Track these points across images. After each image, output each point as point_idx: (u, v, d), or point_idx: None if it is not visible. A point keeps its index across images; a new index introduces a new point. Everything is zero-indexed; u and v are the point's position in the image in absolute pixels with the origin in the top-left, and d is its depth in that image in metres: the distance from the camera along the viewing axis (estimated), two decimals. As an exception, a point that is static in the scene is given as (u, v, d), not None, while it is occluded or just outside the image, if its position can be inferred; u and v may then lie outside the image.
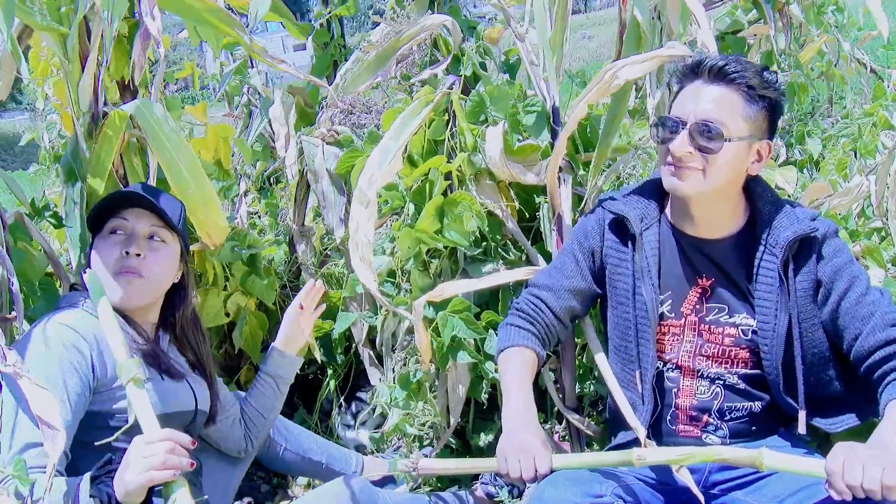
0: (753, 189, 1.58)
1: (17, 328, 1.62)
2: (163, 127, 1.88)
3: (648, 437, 1.60)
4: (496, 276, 1.97)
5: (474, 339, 1.94)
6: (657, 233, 1.62)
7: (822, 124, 4.05)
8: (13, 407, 1.38)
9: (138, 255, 1.56)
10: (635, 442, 1.61)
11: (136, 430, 1.42)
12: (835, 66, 4.71)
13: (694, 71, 1.52)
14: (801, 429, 1.52)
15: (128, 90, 2.07)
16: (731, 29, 3.81)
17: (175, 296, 1.72)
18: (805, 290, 1.52)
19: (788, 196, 2.69)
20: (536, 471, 1.43)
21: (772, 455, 1.34)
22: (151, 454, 1.25)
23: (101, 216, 1.61)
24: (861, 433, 1.64)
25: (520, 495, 2.01)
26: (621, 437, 1.70)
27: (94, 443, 1.41)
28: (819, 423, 1.55)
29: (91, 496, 1.26)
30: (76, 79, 1.91)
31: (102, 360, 1.50)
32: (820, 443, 1.76)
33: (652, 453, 1.46)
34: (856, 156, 3.06)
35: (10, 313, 1.60)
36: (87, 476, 1.29)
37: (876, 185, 2.49)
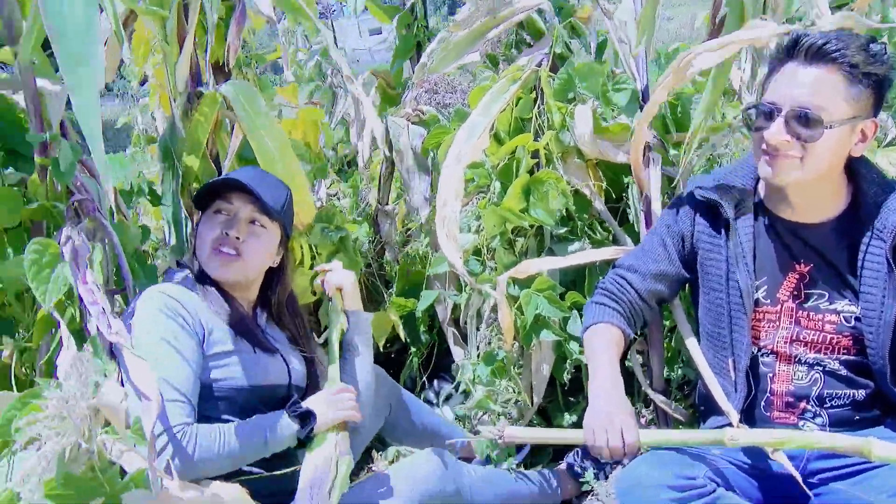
0: (857, 169, 1.50)
1: (126, 301, 1.68)
2: (255, 108, 1.93)
3: (741, 422, 1.55)
4: (581, 254, 1.95)
5: (559, 319, 1.92)
6: (751, 217, 1.56)
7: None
8: None
9: (238, 237, 1.63)
10: (727, 427, 1.57)
11: (237, 406, 1.50)
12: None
13: (789, 51, 1.42)
14: None
15: (221, 72, 2.12)
16: (835, 3, 3.63)
17: (273, 278, 1.78)
18: None
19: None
20: (624, 444, 1.42)
21: (882, 444, 1.28)
22: (343, 400, 1.60)
23: (208, 196, 1.67)
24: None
25: (605, 477, 1.98)
26: (711, 422, 1.66)
27: (202, 414, 1.50)
28: None
29: (292, 416, 1.52)
30: (174, 60, 1.97)
31: (202, 329, 1.56)
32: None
33: (746, 434, 1.42)
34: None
35: (117, 286, 1.67)
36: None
37: None
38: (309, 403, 1.57)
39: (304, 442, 1.53)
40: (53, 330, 1.61)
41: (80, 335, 1.56)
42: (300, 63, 4.16)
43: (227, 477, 1.49)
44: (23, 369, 1.63)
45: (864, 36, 1.42)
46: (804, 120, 1.38)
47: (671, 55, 2.50)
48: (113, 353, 1.50)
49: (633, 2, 2.03)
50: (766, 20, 1.64)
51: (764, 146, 1.43)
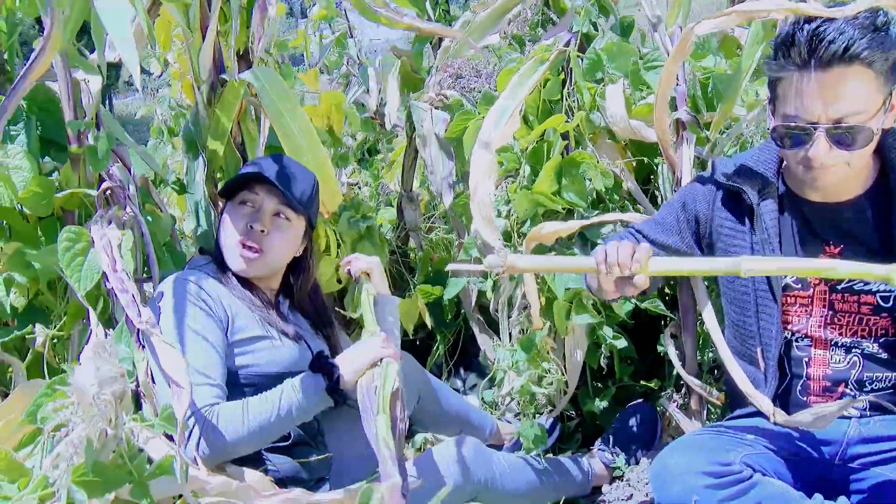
0: (883, 140, 1.42)
1: (151, 289, 1.68)
2: (279, 94, 1.92)
3: (776, 407, 1.51)
4: (599, 216, 1.88)
5: (593, 301, 1.89)
6: (775, 202, 1.51)
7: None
8: None
9: (262, 230, 1.62)
10: (758, 415, 1.54)
11: (261, 391, 1.49)
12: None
13: (805, 58, 1.31)
14: None
15: (243, 59, 2.11)
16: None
17: (297, 267, 1.78)
18: None
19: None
20: (632, 258, 1.35)
21: (752, 260, 1.26)
22: (371, 344, 1.50)
23: (234, 187, 1.67)
24: None
25: (637, 462, 1.96)
26: (741, 410, 1.62)
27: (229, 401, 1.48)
28: None
29: (317, 369, 1.47)
30: (197, 48, 1.97)
31: (225, 315, 1.56)
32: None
33: (760, 263, 1.32)
34: None
35: (145, 274, 1.67)
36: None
37: None
38: (337, 357, 1.52)
39: (342, 399, 1.49)
40: (84, 319, 1.62)
41: (109, 323, 1.56)
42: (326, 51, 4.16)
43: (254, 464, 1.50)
44: (56, 358, 1.64)
45: (865, 15, 1.31)
46: (849, 134, 1.31)
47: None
48: (140, 341, 1.50)
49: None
50: (721, 15, 1.58)
51: (803, 165, 1.37)
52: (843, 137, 1.32)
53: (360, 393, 1.38)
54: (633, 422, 2.01)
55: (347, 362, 1.48)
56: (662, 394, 2.08)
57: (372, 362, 1.46)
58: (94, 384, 1.05)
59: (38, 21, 1.67)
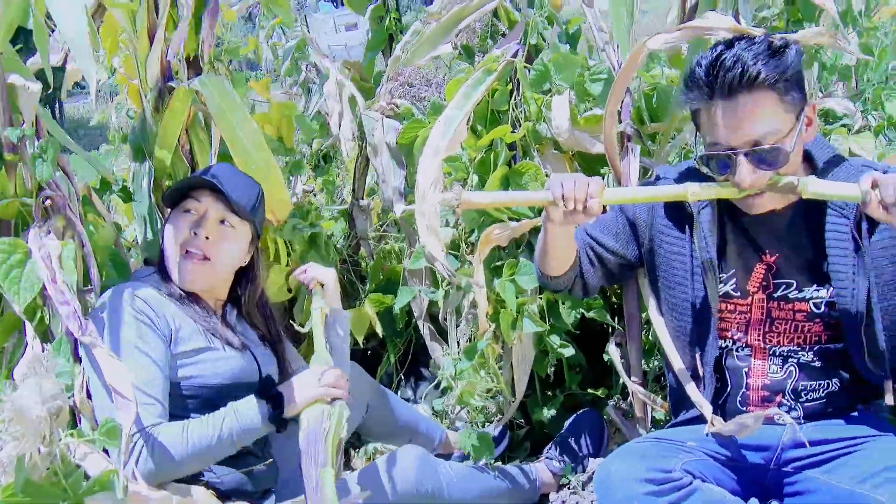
0: (809, 150, 1.48)
1: (93, 300, 1.65)
2: (227, 103, 1.90)
3: (715, 413, 1.55)
4: (529, 222, 1.89)
5: (539, 310, 1.91)
6: (714, 210, 1.55)
7: (900, 88, 3.86)
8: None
9: (207, 237, 1.61)
10: (700, 419, 1.57)
11: (206, 405, 1.47)
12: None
13: (711, 87, 1.36)
14: (889, 399, 1.45)
15: (192, 66, 2.09)
16: (783, -3, 3.65)
17: (244, 276, 1.76)
18: (883, 248, 1.42)
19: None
20: (588, 192, 1.41)
21: (815, 181, 1.34)
22: (327, 378, 1.50)
23: (177, 194, 1.65)
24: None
25: (583, 470, 1.99)
26: (683, 414, 1.66)
27: (172, 414, 1.48)
28: None
29: (261, 399, 1.48)
30: (144, 55, 1.94)
31: (168, 328, 1.54)
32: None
33: (704, 189, 1.43)
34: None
35: (85, 285, 1.64)
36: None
37: (960, 154, 2.37)
38: (284, 385, 1.53)
39: (284, 427, 1.50)
40: (18, 331, 1.58)
41: (46, 336, 1.53)
42: (278, 57, 4.12)
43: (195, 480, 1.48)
44: (-11, 372, 1.59)
45: (760, 39, 1.38)
46: (767, 155, 1.36)
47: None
48: (77, 355, 1.48)
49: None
50: (725, 14, 1.63)
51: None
52: (763, 158, 1.37)
53: (306, 433, 1.38)
54: (579, 430, 2.04)
55: (295, 393, 1.49)
56: (609, 402, 2.11)
57: (320, 399, 1.47)
58: (37, 402, 1.02)
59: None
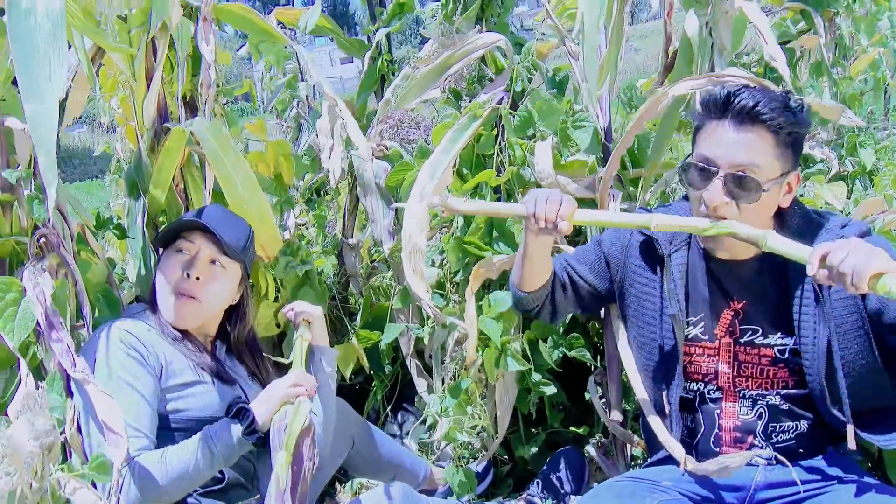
0: (786, 211, 1.55)
1: (85, 336, 1.69)
2: (221, 144, 1.96)
3: (689, 456, 1.59)
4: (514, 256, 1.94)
5: (520, 349, 1.96)
6: (686, 255, 1.62)
7: (878, 136, 3.98)
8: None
9: (198, 277, 1.66)
10: (673, 461, 1.61)
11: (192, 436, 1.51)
12: (892, 77, 4.62)
13: (722, 110, 1.46)
14: (851, 444, 1.49)
15: (188, 106, 2.15)
16: (779, 40, 3.77)
17: (234, 315, 1.81)
18: (843, 299, 1.47)
19: (840, 211, 2.66)
20: (559, 211, 1.49)
21: (775, 237, 1.37)
22: (288, 380, 1.55)
23: (170, 235, 1.71)
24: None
25: (565, 507, 2.02)
26: (657, 454, 1.70)
27: (160, 446, 1.51)
28: (871, 438, 1.50)
29: (232, 417, 1.51)
30: (141, 96, 2.00)
31: (158, 362, 1.58)
32: (873, 463, 1.73)
33: (667, 219, 1.49)
34: (915, 171, 2.99)
35: (77, 322, 1.68)
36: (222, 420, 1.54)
37: (932, 200, 2.45)
38: (254, 401, 1.56)
39: (261, 443, 1.52)
40: (12, 367, 1.61)
41: (38, 371, 1.56)
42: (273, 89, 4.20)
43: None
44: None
45: (781, 93, 1.48)
46: (742, 183, 1.43)
47: (629, 90, 2.58)
48: (70, 390, 1.51)
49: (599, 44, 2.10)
50: (697, 78, 1.73)
51: (703, 208, 1.48)
52: (738, 182, 1.43)
53: (272, 431, 1.43)
54: (561, 467, 2.07)
55: (262, 404, 1.53)
56: (591, 440, 2.15)
57: (283, 401, 1.51)
58: (30, 438, 1.06)
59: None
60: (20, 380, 1.49)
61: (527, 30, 3.57)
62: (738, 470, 1.51)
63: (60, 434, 1.39)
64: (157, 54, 1.98)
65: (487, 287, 2.07)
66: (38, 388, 1.38)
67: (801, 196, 2.74)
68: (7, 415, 1.29)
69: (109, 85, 2.35)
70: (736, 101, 1.44)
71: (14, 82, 1.66)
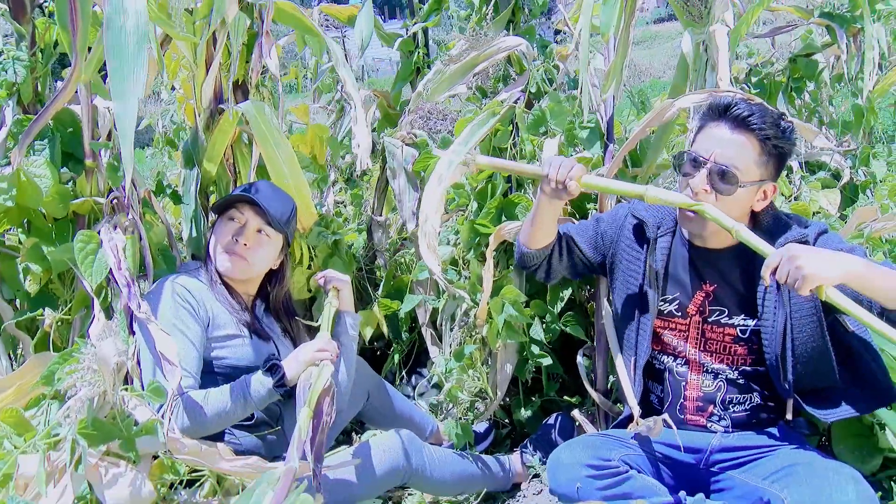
0: (760, 213, 1.77)
1: (146, 286, 1.98)
2: (268, 126, 2.22)
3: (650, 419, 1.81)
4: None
5: (523, 324, 2.20)
6: (670, 241, 1.86)
7: (894, 149, 4.10)
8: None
9: (245, 244, 1.93)
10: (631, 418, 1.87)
11: (232, 380, 1.80)
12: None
13: (721, 114, 1.71)
14: (788, 415, 1.73)
15: (240, 89, 2.42)
16: (804, 52, 3.92)
17: (273, 278, 2.08)
18: None
19: (833, 216, 2.84)
20: (568, 173, 1.75)
21: (745, 230, 1.61)
22: (315, 345, 1.80)
23: (225, 204, 1.98)
24: (853, 424, 1.84)
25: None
26: (625, 412, 1.95)
27: (204, 387, 1.79)
28: (814, 412, 1.72)
29: (265, 372, 1.76)
30: (201, 80, 2.27)
31: (206, 315, 1.86)
32: (823, 434, 1.95)
33: (659, 192, 1.71)
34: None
35: (141, 273, 1.96)
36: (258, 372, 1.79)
37: (922, 211, 2.61)
38: (285, 359, 1.82)
39: (288, 395, 1.78)
40: (87, 307, 1.91)
41: (108, 312, 1.86)
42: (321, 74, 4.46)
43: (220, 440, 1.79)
44: (60, 338, 1.93)
45: (776, 112, 1.72)
46: (723, 176, 1.67)
47: (642, 93, 2.79)
48: (132, 328, 1.80)
49: (605, 53, 2.32)
50: (700, 93, 1.96)
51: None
52: (718, 178, 1.67)
53: (298, 387, 1.69)
54: (552, 429, 2.32)
55: (291, 362, 1.79)
56: (582, 408, 2.39)
57: (310, 362, 1.76)
58: (114, 354, 1.35)
59: (65, 56, 1.97)
60: (93, 317, 1.79)
61: (557, 32, 3.78)
62: (696, 435, 1.78)
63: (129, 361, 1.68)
64: (216, 43, 2.25)
65: (497, 265, 2.31)
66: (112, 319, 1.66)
67: (798, 199, 2.93)
68: (89, 337, 1.58)
69: (174, 67, 2.63)
70: (735, 109, 1.69)
71: (100, 70, 1.94)
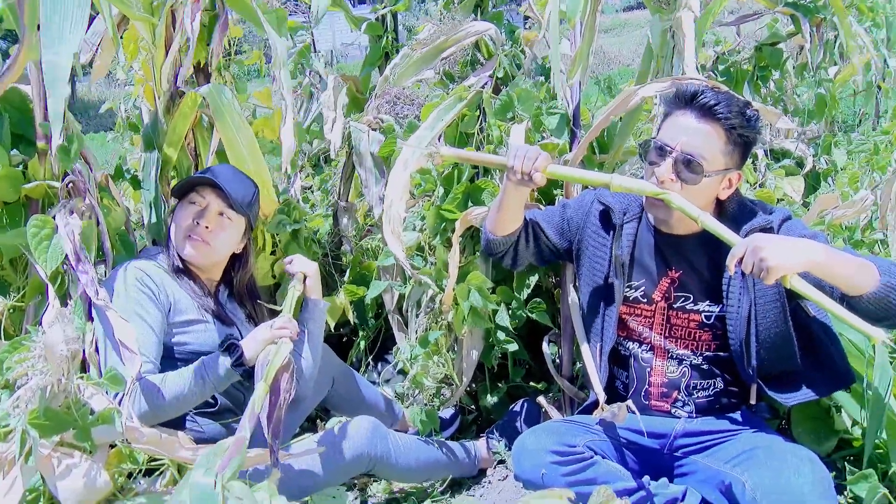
0: (726, 200, 1.78)
1: (103, 272, 1.93)
2: (229, 110, 2.17)
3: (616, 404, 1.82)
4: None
5: (488, 310, 2.19)
6: (636, 227, 1.86)
7: (853, 137, 4.18)
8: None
9: (207, 227, 1.89)
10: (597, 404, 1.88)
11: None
12: (879, 81, 4.80)
13: (688, 102, 1.70)
14: (752, 399, 1.75)
15: (202, 73, 2.37)
16: (769, 41, 3.96)
17: (237, 262, 2.05)
18: None
19: (797, 203, 2.88)
20: (534, 164, 1.73)
21: (709, 217, 1.62)
22: (275, 324, 1.76)
23: (185, 188, 1.94)
24: (811, 407, 1.87)
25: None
26: (591, 398, 1.96)
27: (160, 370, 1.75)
28: (775, 396, 1.74)
29: (223, 351, 1.73)
30: (160, 61, 2.22)
31: (167, 300, 1.82)
32: (783, 418, 1.97)
33: (624, 181, 1.71)
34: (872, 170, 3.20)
35: (98, 259, 1.92)
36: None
37: (881, 199, 2.66)
38: (244, 339, 1.78)
39: (247, 375, 1.75)
40: (41, 294, 1.86)
41: (64, 299, 1.81)
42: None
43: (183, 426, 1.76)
44: (12, 326, 1.87)
45: (742, 101, 1.72)
46: (689, 165, 1.67)
47: (610, 80, 2.79)
48: (90, 316, 1.75)
49: (572, 39, 2.31)
50: (663, 81, 1.95)
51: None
52: (684, 167, 1.67)
53: (257, 366, 1.67)
54: (518, 415, 2.32)
55: (250, 342, 1.76)
56: (548, 394, 2.39)
57: (269, 341, 1.73)
58: (62, 342, 1.31)
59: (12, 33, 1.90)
60: (48, 304, 1.74)
61: (527, 19, 3.76)
62: (659, 420, 1.79)
63: (82, 348, 1.63)
64: (175, 24, 2.19)
65: (463, 251, 2.30)
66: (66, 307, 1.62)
67: (762, 186, 2.96)
68: (42, 325, 1.54)
69: (132, 49, 2.56)
70: (701, 97, 1.68)
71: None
